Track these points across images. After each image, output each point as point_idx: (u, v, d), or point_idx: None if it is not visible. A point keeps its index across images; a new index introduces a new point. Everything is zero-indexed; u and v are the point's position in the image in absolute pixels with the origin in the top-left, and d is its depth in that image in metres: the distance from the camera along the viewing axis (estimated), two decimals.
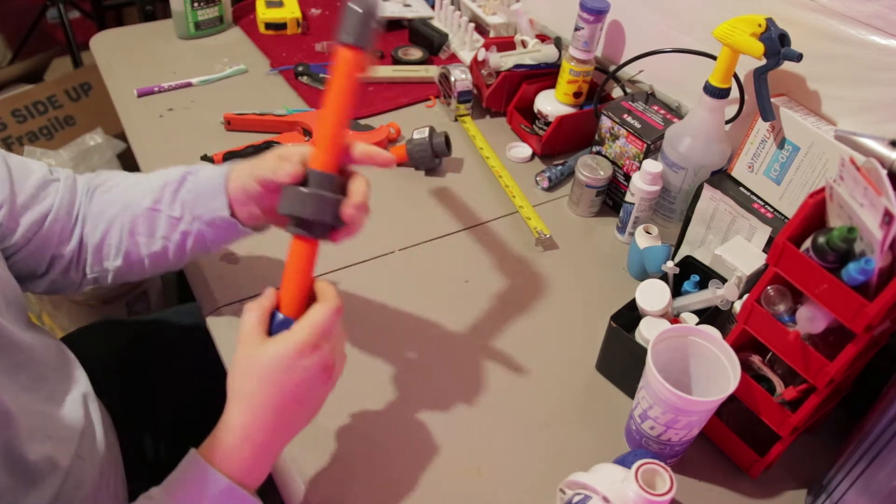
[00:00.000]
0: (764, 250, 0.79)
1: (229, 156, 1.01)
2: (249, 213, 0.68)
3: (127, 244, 0.70)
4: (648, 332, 0.72)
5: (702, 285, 0.80)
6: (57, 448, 0.59)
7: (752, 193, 0.83)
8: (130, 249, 0.70)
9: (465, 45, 1.29)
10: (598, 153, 1.00)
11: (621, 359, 0.76)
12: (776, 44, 0.75)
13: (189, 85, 1.18)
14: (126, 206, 0.69)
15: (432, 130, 1.02)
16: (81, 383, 0.68)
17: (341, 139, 0.58)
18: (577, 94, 1.07)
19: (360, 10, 0.54)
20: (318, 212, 0.56)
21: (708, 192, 0.83)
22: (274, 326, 0.57)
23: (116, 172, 0.74)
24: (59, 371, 0.65)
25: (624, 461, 0.63)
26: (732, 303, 0.75)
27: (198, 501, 0.53)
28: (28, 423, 0.57)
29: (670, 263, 0.79)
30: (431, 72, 1.22)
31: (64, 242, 0.68)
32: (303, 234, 0.57)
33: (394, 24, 1.36)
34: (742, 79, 0.87)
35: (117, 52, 1.26)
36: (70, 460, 0.60)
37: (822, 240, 0.56)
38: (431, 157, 1.02)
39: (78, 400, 0.65)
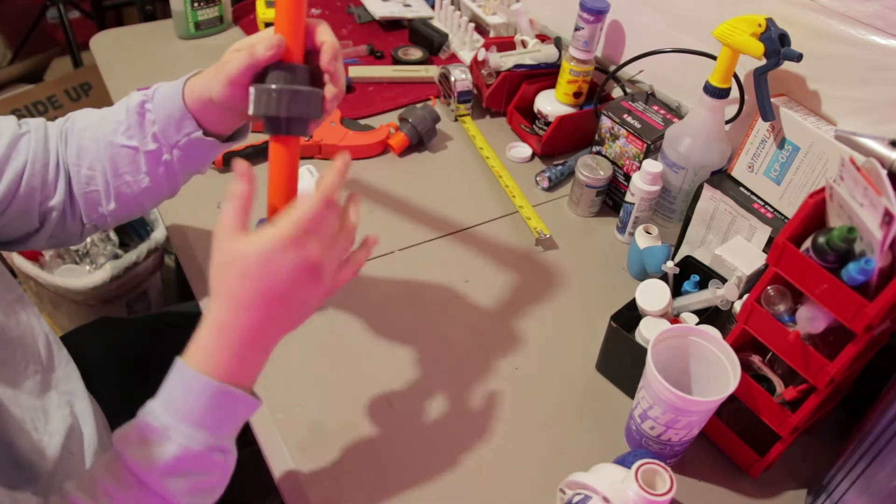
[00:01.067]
0: (764, 250, 0.79)
1: (229, 156, 1.01)
2: (222, 122, 0.66)
3: (115, 185, 0.67)
4: (648, 332, 0.72)
5: (702, 285, 0.80)
6: (44, 441, 0.59)
7: (752, 193, 0.83)
8: (121, 190, 0.67)
9: (465, 45, 1.29)
10: (598, 153, 1.00)
11: (621, 359, 0.76)
12: (776, 44, 0.75)
13: None
14: (101, 148, 0.66)
15: (416, 106, 1.09)
16: (70, 381, 0.67)
17: (301, 25, 0.55)
18: (577, 94, 1.07)
19: None
20: (294, 108, 0.53)
21: (708, 192, 0.83)
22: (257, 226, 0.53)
23: (85, 113, 0.70)
24: (45, 366, 0.65)
25: (624, 461, 0.63)
26: (732, 303, 0.75)
27: (192, 406, 0.51)
28: (17, 414, 0.57)
29: (670, 263, 0.79)
30: (431, 72, 1.22)
31: (49, 196, 0.66)
32: (280, 133, 0.54)
33: (394, 24, 1.36)
34: (742, 79, 0.87)
35: (117, 52, 1.26)
36: (58, 454, 0.60)
37: (822, 240, 0.56)
38: (433, 126, 1.07)
39: (63, 398, 0.65)
